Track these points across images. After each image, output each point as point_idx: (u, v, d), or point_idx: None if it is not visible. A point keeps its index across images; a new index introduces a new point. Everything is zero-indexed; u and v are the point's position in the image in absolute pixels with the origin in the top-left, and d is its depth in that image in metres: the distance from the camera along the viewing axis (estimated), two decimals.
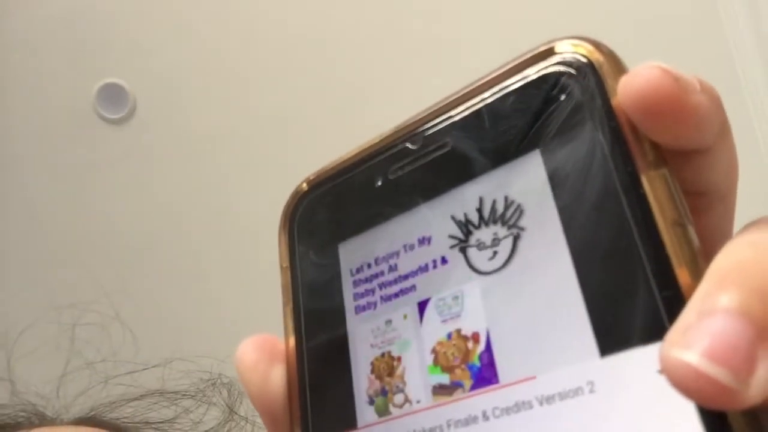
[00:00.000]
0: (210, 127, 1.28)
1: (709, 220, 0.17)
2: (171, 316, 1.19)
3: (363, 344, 0.19)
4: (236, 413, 0.42)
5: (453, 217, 0.18)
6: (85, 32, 1.30)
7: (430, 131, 0.19)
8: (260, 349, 0.20)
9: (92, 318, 0.49)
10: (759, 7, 1.03)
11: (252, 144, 1.27)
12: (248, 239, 1.25)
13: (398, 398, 0.18)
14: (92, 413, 0.39)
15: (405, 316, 0.19)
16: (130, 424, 0.39)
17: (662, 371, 0.13)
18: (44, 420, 0.38)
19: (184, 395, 0.42)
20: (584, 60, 0.17)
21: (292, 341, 0.20)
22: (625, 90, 0.15)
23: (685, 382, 0.12)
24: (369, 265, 0.20)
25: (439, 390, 0.17)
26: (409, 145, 0.20)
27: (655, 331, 0.14)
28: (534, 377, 0.16)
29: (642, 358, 0.14)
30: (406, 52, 1.23)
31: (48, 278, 1.24)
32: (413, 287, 0.19)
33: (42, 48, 1.30)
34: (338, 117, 1.24)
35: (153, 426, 0.40)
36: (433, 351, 0.18)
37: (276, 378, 0.20)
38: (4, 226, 1.28)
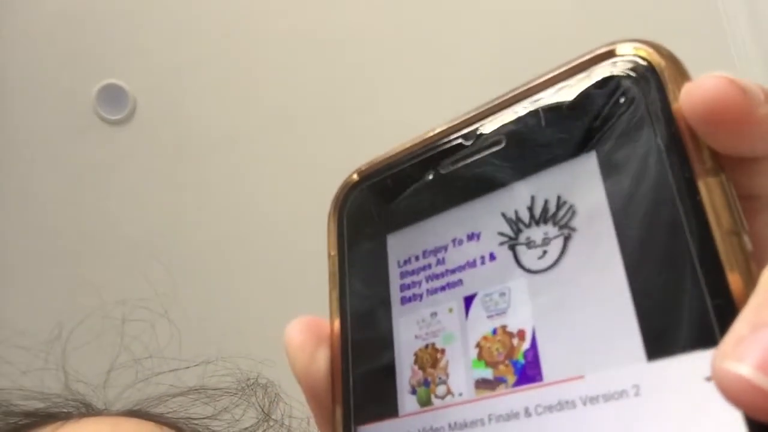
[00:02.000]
0: (210, 128, 1.28)
1: (763, 224, 0.17)
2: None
3: (407, 334, 0.19)
4: (271, 417, 0.42)
5: (504, 215, 0.18)
6: (85, 32, 1.29)
7: (485, 128, 0.19)
8: (308, 330, 0.20)
9: (142, 315, 0.50)
10: (759, 7, 1.04)
11: (252, 144, 1.27)
12: (248, 239, 1.25)
13: (440, 390, 0.18)
14: (138, 407, 0.40)
15: (450, 310, 0.19)
16: (173, 419, 0.40)
17: (714, 381, 0.13)
18: (92, 411, 0.39)
19: (225, 392, 0.43)
20: (645, 63, 0.17)
21: (336, 325, 0.20)
22: (689, 98, 0.15)
23: (737, 394, 0.12)
24: (417, 258, 0.20)
25: (482, 384, 0.18)
26: (462, 141, 0.20)
27: (704, 338, 0.14)
28: (581, 377, 0.16)
29: (690, 365, 0.14)
30: (406, 51, 1.23)
31: (47, 277, 1.24)
32: (460, 281, 0.19)
33: (42, 48, 1.30)
34: (339, 117, 1.24)
35: (195, 422, 0.41)
36: (478, 345, 0.18)
37: (321, 359, 0.20)
38: (5, 226, 1.28)
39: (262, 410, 0.43)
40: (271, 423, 0.42)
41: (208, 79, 1.28)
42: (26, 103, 1.31)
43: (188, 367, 0.43)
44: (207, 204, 1.27)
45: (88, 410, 0.39)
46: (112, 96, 1.28)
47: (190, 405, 0.42)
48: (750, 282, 0.14)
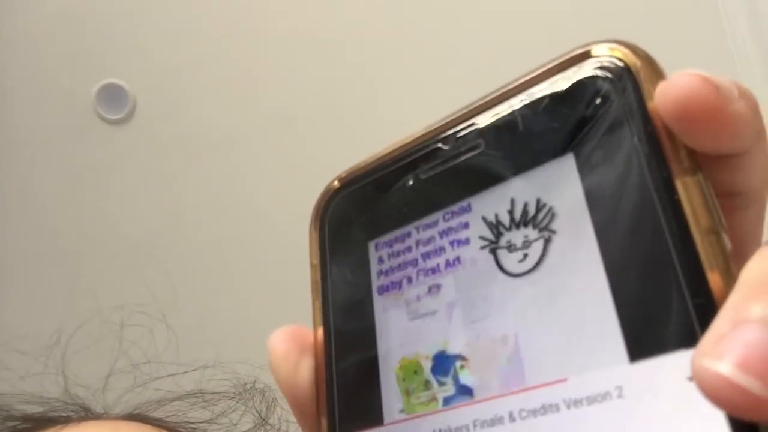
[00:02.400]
0: (210, 128, 1.28)
1: (742, 221, 0.17)
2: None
3: (391, 342, 0.19)
4: (267, 422, 0.42)
5: (484, 218, 0.18)
6: (85, 32, 1.29)
7: (463, 132, 0.19)
8: (291, 339, 0.20)
9: (140, 319, 0.50)
10: (759, 7, 1.04)
11: (252, 144, 1.27)
12: (248, 240, 1.25)
13: (425, 396, 0.18)
14: (137, 411, 0.40)
15: (433, 316, 0.19)
16: (172, 423, 0.40)
17: (694, 380, 0.13)
18: (91, 414, 0.39)
19: (223, 397, 0.43)
20: (621, 63, 0.16)
21: (320, 334, 0.20)
22: (664, 97, 0.15)
23: (717, 392, 0.12)
24: (398, 265, 0.20)
25: (466, 390, 0.18)
26: (441, 145, 0.20)
27: (685, 338, 0.14)
28: (565, 380, 0.16)
29: (672, 365, 0.14)
30: (406, 51, 1.23)
31: (47, 279, 1.24)
32: (442, 287, 0.19)
33: (42, 48, 1.30)
34: (339, 117, 1.24)
35: (193, 425, 0.41)
36: (461, 352, 0.18)
37: (305, 369, 0.20)
38: (4, 226, 1.28)
39: (259, 415, 0.43)
40: (268, 428, 0.43)
41: (208, 78, 1.28)
42: (26, 102, 1.31)
43: (186, 372, 0.44)
44: (207, 204, 1.27)
45: (87, 414, 0.39)
46: (112, 96, 1.28)
47: (188, 409, 0.42)
48: (730, 281, 0.14)
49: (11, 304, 1.21)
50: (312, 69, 1.25)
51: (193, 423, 0.41)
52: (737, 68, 1.05)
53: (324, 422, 0.19)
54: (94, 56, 1.29)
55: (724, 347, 0.12)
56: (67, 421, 0.36)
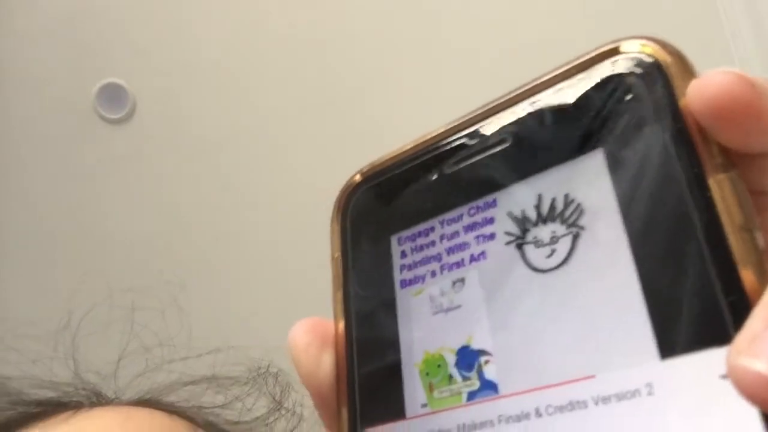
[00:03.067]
0: (210, 127, 1.28)
1: None
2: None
3: (414, 336, 0.19)
4: (282, 406, 0.42)
5: (510, 214, 0.18)
6: (85, 32, 1.29)
7: (490, 127, 0.19)
8: (312, 332, 0.20)
9: (151, 303, 0.50)
10: (759, 8, 1.04)
11: (252, 144, 1.27)
12: (248, 240, 1.25)
13: (448, 391, 0.18)
14: (149, 396, 0.40)
15: (458, 311, 0.19)
16: (184, 407, 0.39)
17: (730, 378, 0.13)
18: (103, 399, 0.39)
19: (236, 382, 0.43)
20: (651, 60, 0.16)
21: (341, 327, 0.20)
22: (698, 94, 0.15)
23: (753, 391, 0.12)
24: (421, 260, 0.20)
25: (491, 385, 0.17)
26: (467, 140, 0.19)
27: (718, 336, 0.14)
28: (593, 376, 0.15)
29: (704, 363, 0.14)
30: (407, 51, 1.23)
31: (49, 277, 1.24)
32: (467, 282, 0.19)
33: (42, 48, 1.29)
34: (339, 117, 1.24)
35: (206, 410, 0.41)
36: (486, 347, 0.18)
37: (327, 361, 0.20)
38: (5, 225, 1.28)
39: (274, 399, 0.42)
40: (283, 412, 0.42)
41: (208, 78, 1.28)
42: (26, 102, 1.31)
43: (199, 356, 0.43)
44: (207, 203, 1.27)
45: (98, 399, 0.39)
46: (112, 95, 1.28)
47: (201, 394, 0.41)
48: (763, 278, 0.14)
49: (11, 300, 1.20)
50: (312, 69, 1.25)
51: (206, 408, 0.41)
52: (737, 68, 1.05)
53: (345, 414, 0.19)
54: (94, 56, 1.29)
55: (760, 346, 0.12)
56: (78, 406, 0.36)
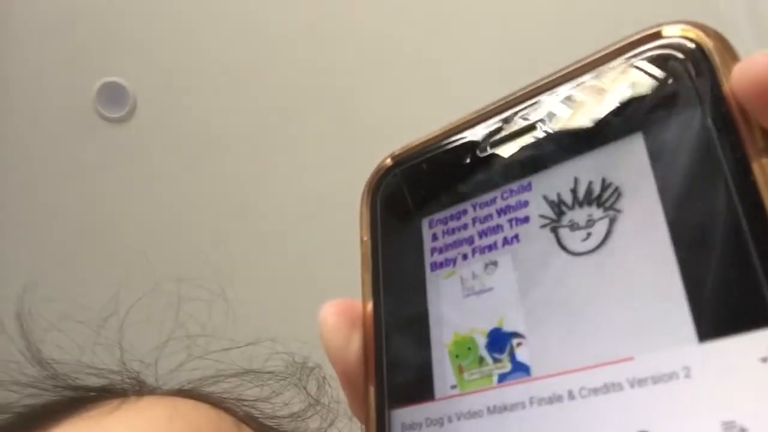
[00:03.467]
0: (210, 127, 1.28)
1: None
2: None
3: (444, 318, 0.19)
4: (318, 402, 0.42)
5: (545, 197, 0.18)
6: (85, 32, 1.29)
7: (527, 110, 0.19)
8: (343, 312, 0.20)
9: (199, 293, 0.51)
10: (759, 8, 1.04)
11: (252, 143, 1.27)
12: (248, 239, 1.25)
13: (478, 373, 0.18)
14: (191, 386, 0.40)
15: (490, 293, 0.19)
16: (226, 399, 0.40)
17: None
18: (145, 388, 0.39)
19: (276, 376, 0.43)
20: (693, 45, 0.16)
21: (369, 308, 0.20)
22: (743, 76, 0.15)
23: None
24: (454, 243, 0.20)
25: (523, 367, 0.17)
26: (503, 123, 0.19)
27: (759, 319, 0.14)
28: (630, 359, 0.15)
29: (743, 345, 0.14)
30: (409, 49, 1.23)
31: (49, 275, 1.24)
32: (499, 265, 0.19)
33: (42, 47, 1.29)
34: (340, 115, 1.24)
35: (246, 404, 0.41)
36: (518, 329, 0.18)
37: (356, 342, 0.20)
38: (5, 225, 1.28)
39: (310, 395, 0.42)
40: (318, 408, 0.42)
41: (209, 77, 1.28)
42: (27, 101, 1.31)
43: (239, 347, 0.43)
44: (207, 203, 1.27)
45: (141, 387, 0.39)
46: (113, 94, 1.28)
47: (241, 387, 0.42)
48: None
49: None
50: (312, 67, 1.25)
51: (245, 401, 0.41)
52: None
53: (372, 394, 0.19)
54: (95, 54, 1.29)
55: None
56: (123, 394, 0.37)
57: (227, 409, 0.38)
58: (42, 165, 1.30)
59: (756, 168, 0.15)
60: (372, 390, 0.19)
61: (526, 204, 0.18)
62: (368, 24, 1.25)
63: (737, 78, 0.15)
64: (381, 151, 0.22)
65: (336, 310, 0.20)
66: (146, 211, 1.28)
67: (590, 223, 0.17)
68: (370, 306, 0.20)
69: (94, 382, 0.39)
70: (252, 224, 1.25)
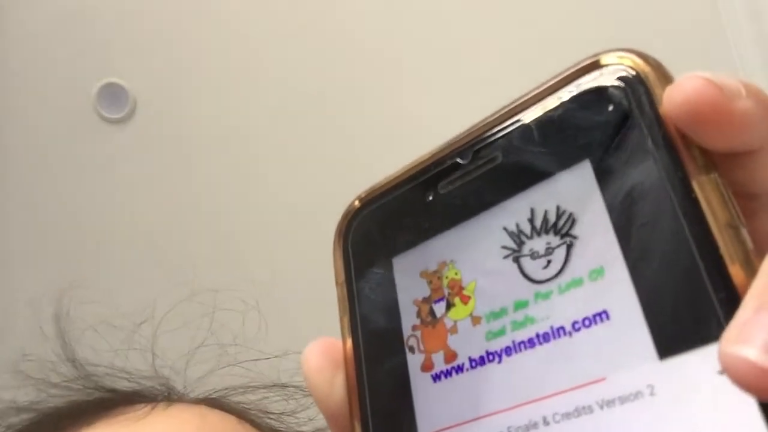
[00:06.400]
0: (210, 127, 1.28)
1: (762, 223, 0.17)
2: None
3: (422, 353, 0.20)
4: None
5: (505, 228, 0.19)
6: (85, 32, 1.29)
7: (480, 145, 0.20)
8: (325, 354, 0.21)
9: (234, 304, 0.51)
10: (759, 7, 1.04)
11: (252, 143, 1.27)
12: (249, 239, 1.25)
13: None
14: (218, 395, 0.40)
15: (462, 325, 0.19)
16: (251, 410, 0.40)
17: (722, 368, 0.13)
18: (174, 394, 0.39)
19: (302, 390, 0.43)
20: (631, 71, 0.17)
21: (349, 347, 0.21)
22: (671, 100, 0.16)
23: (746, 378, 0.12)
24: (424, 281, 0.20)
25: (500, 397, 0.18)
26: (459, 159, 0.20)
27: (712, 332, 0.14)
28: (599, 380, 0.16)
29: (701, 360, 0.14)
30: (408, 49, 1.23)
31: (47, 276, 1.24)
32: (468, 299, 0.19)
33: (42, 48, 1.30)
34: (340, 115, 1.24)
35: (272, 416, 0.41)
36: (493, 359, 0.18)
37: (339, 383, 0.20)
38: (5, 225, 1.28)
39: None
40: None
41: (208, 78, 1.28)
42: (26, 101, 1.31)
43: (267, 359, 0.44)
44: (207, 203, 1.27)
45: (170, 393, 0.39)
46: (113, 95, 1.28)
47: (267, 399, 0.42)
48: (752, 273, 0.14)
49: (9, 298, 1.20)
50: (313, 67, 1.25)
51: (271, 413, 0.41)
52: (738, 69, 1.05)
53: (358, 431, 0.20)
54: (94, 56, 1.29)
55: (749, 332, 0.13)
56: (152, 400, 0.37)
57: (252, 422, 0.39)
58: (42, 166, 1.30)
59: (696, 186, 0.15)
60: (358, 430, 0.20)
61: (487, 236, 0.19)
62: (367, 25, 1.25)
63: (667, 101, 0.16)
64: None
65: (319, 350, 0.21)
66: (146, 211, 1.28)
67: (549, 250, 0.18)
68: (350, 347, 0.21)
69: (125, 385, 0.39)
70: (252, 224, 1.25)
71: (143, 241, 1.27)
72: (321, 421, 0.42)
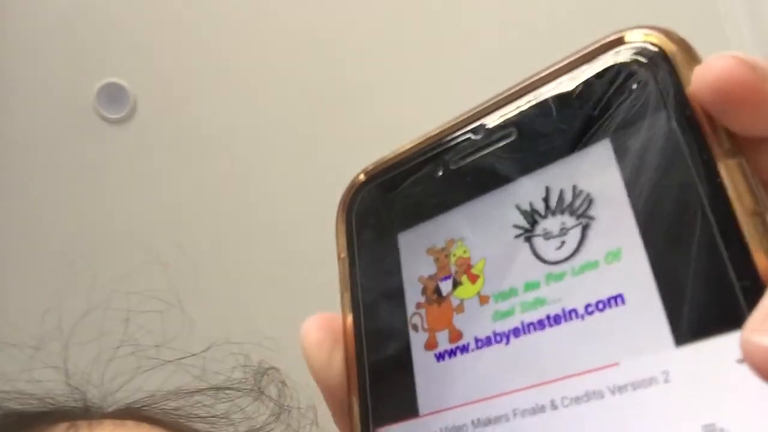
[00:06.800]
0: (210, 127, 1.28)
1: None
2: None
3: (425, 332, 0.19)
4: (284, 409, 0.41)
5: (518, 207, 0.18)
6: (85, 32, 1.29)
7: (495, 121, 0.19)
8: (325, 328, 0.20)
9: (153, 305, 0.50)
10: (759, 8, 1.04)
11: (252, 143, 1.27)
12: (249, 239, 1.25)
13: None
14: (139, 405, 0.39)
15: (465, 308, 0.19)
16: (177, 417, 0.39)
17: (743, 357, 0.13)
18: (88, 410, 0.38)
19: (235, 390, 0.42)
20: (655, 49, 0.16)
21: (350, 326, 0.20)
22: (701, 80, 0.15)
23: None
24: (431, 257, 0.20)
25: (506, 379, 0.17)
26: (472, 134, 0.19)
27: (733, 320, 0.14)
28: (611, 365, 0.15)
29: (719, 348, 0.14)
30: (408, 49, 1.23)
31: (46, 275, 1.24)
32: (476, 278, 0.19)
33: (42, 48, 1.29)
34: (340, 115, 1.24)
35: (205, 420, 0.40)
36: (499, 340, 0.18)
37: (338, 358, 0.20)
38: (5, 225, 1.28)
39: (275, 404, 0.42)
40: (282, 417, 0.41)
41: (209, 77, 1.28)
42: (26, 101, 1.31)
43: (194, 355, 0.43)
44: (207, 203, 1.27)
45: (84, 410, 0.38)
46: (113, 95, 1.28)
47: (197, 402, 0.41)
48: None
49: (10, 299, 1.20)
50: (313, 67, 1.25)
51: (205, 417, 0.40)
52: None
53: (356, 412, 0.19)
54: (95, 56, 1.29)
55: None
56: (65, 418, 0.35)
57: (173, 428, 0.37)
58: (42, 166, 1.30)
59: (722, 169, 0.15)
60: (356, 409, 0.19)
61: (499, 215, 0.18)
62: (369, 24, 1.25)
63: (697, 81, 0.15)
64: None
65: (318, 324, 0.20)
66: (146, 211, 1.28)
67: (563, 231, 0.17)
68: (350, 322, 0.20)
69: (38, 407, 0.37)
70: (252, 224, 1.25)
71: (143, 241, 1.26)
72: (259, 419, 0.41)
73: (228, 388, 0.42)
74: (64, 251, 1.27)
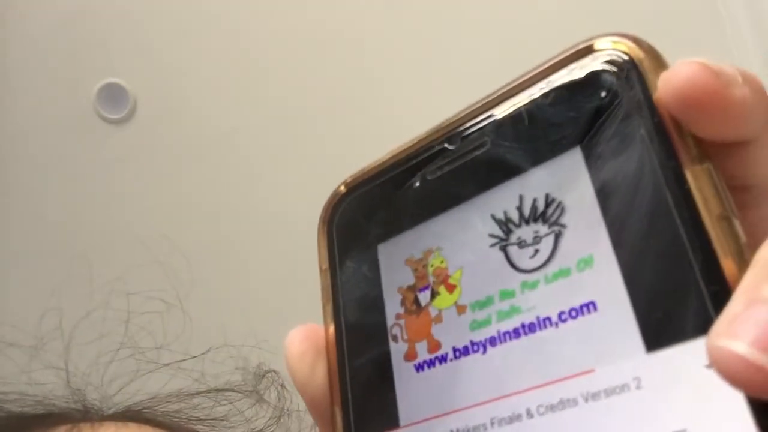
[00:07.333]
0: (210, 127, 1.28)
1: (755, 216, 0.17)
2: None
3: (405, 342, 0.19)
4: (284, 413, 0.41)
5: (493, 216, 0.18)
6: (85, 32, 1.29)
7: (469, 131, 0.19)
8: (308, 339, 0.20)
9: (153, 306, 0.50)
10: (759, 7, 1.04)
11: (253, 143, 1.27)
12: (249, 239, 1.25)
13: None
14: (139, 408, 0.39)
15: (444, 318, 0.19)
16: (177, 420, 0.39)
17: (710, 362, 0.13)
18: (88, 413, 0.38)
19: (235, 393, 0.42)
20: (624, 56, 0.17)
21: (332, 338, 0.20)
22: (666, 86, 0.15)
23: (734, 372, 0.12)
24: (409, 267, 0.20)
25: (484, 388, 0.17)
26: (447, 145, 0.20)
27: (702, 326, 0.14)
28: (586, 372, 0.15)
29: (689, 353, 0.14)
30: (408, 49, 1.23)
31: (47, 277, 1.24)
32: (453, 287, 0.19)
33: (42, 48, 1.29)
34: (340, 115, 1.24)
35: (205, 423, 0.40)
36: (477, 349, 0.18)
37: (321, 370, 0.20)
38: (5, 225, 1.28)
39: (275, 407, 0.42)
40: (285, 418, 0.41)
41: (209, 78, 1.28)
42: (27, 102, 1.31)
43: (194, 357, 0.43)
44: (207, 203, 1.27)
45: (84, 412, 0.38)
46: (113, 95, 1.28)
47: (199, 405, 0.41)
48: (743, 266, 0.14)
49: (10, 298, 1.20)
50: (313, 67, 1.25)
51: (205, 420, 0.40)
52: (734, 58, 1.05)
53: (339, 423, 0.19)
54: (95, 56, 1.29)
55: (739, 327, 0.12)
56: (64, 420, 0.35)
57: (173, 430, 0.37)
58: (42, 166, 1.30)
59: (689, 175, 0.15)
60: (339, 417, 0.19)
61: (475, 224, 0.19)
62: (370, 24, 1.25)
63: (662, 87, 0.16)
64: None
65: (302, 336, 0.20)
66: (146, 211, 1.28)
67: (537, 239, 0.17)
68: (332, 333, 0.20)
69: (37, 409, 0.37)
70: (252, 225, 1.25)
71: (143, 241, 1.26)
72: (259, 422, 0.41)
73: (228, 390, 0.42)
74: (63, 251, 1.27)
